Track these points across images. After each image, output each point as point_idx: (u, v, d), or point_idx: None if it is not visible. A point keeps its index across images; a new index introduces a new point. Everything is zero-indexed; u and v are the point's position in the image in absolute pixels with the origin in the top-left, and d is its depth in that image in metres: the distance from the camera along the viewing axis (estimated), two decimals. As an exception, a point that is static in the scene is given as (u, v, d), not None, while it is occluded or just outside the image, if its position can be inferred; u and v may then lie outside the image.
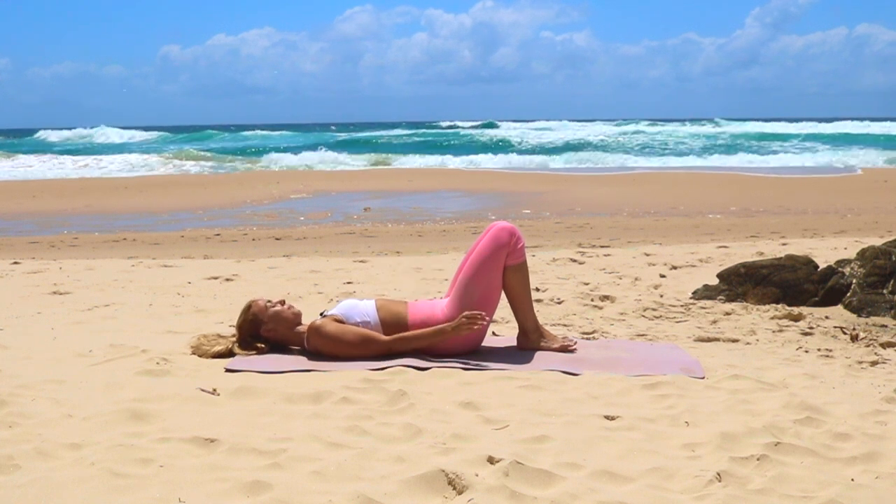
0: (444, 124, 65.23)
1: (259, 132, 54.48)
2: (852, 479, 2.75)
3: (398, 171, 27.50)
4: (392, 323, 4.25)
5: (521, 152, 35.21)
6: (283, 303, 4.36)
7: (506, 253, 4.27)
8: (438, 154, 34.53)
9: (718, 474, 2.72)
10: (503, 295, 4.40)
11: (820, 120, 60.11)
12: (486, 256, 4.27)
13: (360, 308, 4.29)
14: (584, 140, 41.52)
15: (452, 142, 41.55)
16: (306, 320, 4.41)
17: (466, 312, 4.12)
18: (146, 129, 57.34)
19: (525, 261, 4.36)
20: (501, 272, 4.30)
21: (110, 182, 23.96)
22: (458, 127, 58.15)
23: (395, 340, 4.16)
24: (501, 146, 38.74)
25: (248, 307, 4.34)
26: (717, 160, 31.50)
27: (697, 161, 31.57)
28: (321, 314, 4.33)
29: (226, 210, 16.17)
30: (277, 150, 35.96)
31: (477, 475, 2.67)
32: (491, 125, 57.62)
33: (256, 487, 2.60)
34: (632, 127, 49.74)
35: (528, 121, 66.34)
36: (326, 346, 4.16)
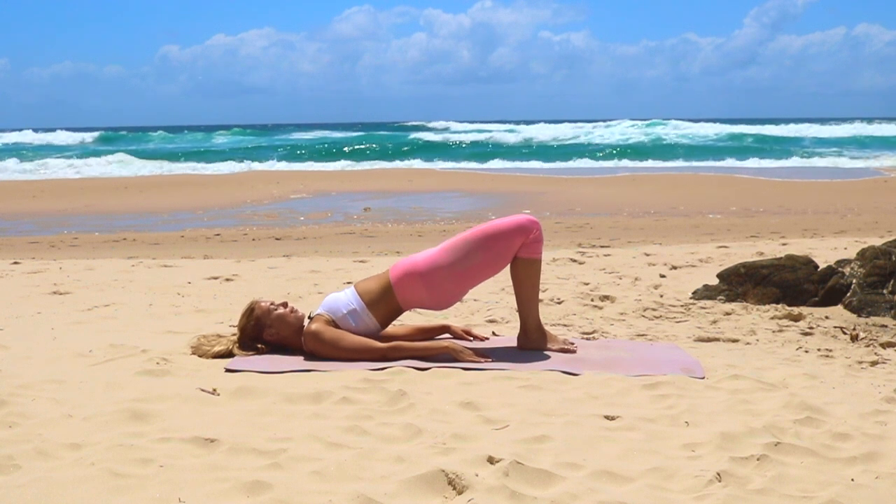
0: (412, 124, 64.34)
1: (215, 133, 53.50)
2: (852, 479, 2.75)
3: (398, 171, 27.50)
4: (377, 300, 4.25)
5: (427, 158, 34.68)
6: (285, 305, 4.35)
7: (522, 240, 4.25)
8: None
9: (718, 474, 2.72)
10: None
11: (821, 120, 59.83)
12: (501, 230, 4.25)
13: (343, 299, 4.28)
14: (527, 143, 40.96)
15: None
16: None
17: (473, 352, 4.15)
18: (90, 129, 55.24)
19: (539, 259, 4.34)
20: (510, 256, 4.28)
21: (110, 182, 23.96)
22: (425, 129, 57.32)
23: (390, 348, 4.16)
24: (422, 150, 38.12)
25: (252, 310, 4.31)
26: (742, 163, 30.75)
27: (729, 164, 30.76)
28: (309, 316, 4.31)
29: (226, 210, 16.18)
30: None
31: (477, 475, 2.67)
32: (422, 128, 57.24)
33: (256, 487, 2.60)
34: (619, 128, 48.62)
35: (519, 122, 65.71)
36: (323, 350, 4.16)
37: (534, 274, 4.33)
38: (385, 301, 4.26)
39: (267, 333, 4.29)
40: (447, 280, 4.23)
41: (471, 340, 4.52)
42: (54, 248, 11.04)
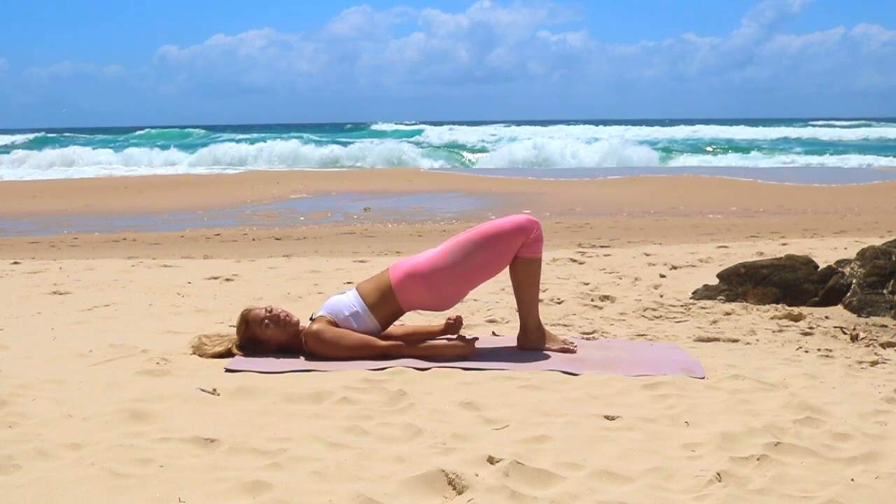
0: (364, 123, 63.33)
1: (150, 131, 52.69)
2: (852, 479, 2.75)
3: (398, 172, 27.50)
4: (379, 301, 4.25)
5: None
6: (278, 318, 4.24)
7: (522, 240, 4.26)
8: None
9: (718, 474, 2.72)
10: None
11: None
12: (501, 231, 4.25)
13: (345, 301, 4.28)
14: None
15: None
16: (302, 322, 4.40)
17: (469, 344, 4.18)
18: (26, 131, 54.27)
19: (540, 258, 4.35)
20: (510, 254, 4.28)
21: (110, 182, 23.97)
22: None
23: (391, 347, 4.18)
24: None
25: (246, 323, 4.25)
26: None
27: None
28: (311, 318, 4.31)
29: (226, 210, 16.18)
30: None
31: (477, 475, 2.67)
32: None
33: (256, 487, 2.60)
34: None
35: (519, 123, 65.33)
36: (325, 350, 4.16)
37: (534, 273, 4.34)
38: (386, 302, 4.26)
39: (262, 348, 4.26)
40: (448, 281, 4.23)
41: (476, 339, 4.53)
42: (54, 248, 11.04)
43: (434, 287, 4.23)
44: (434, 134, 47.19)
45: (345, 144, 38.62)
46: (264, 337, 4.24)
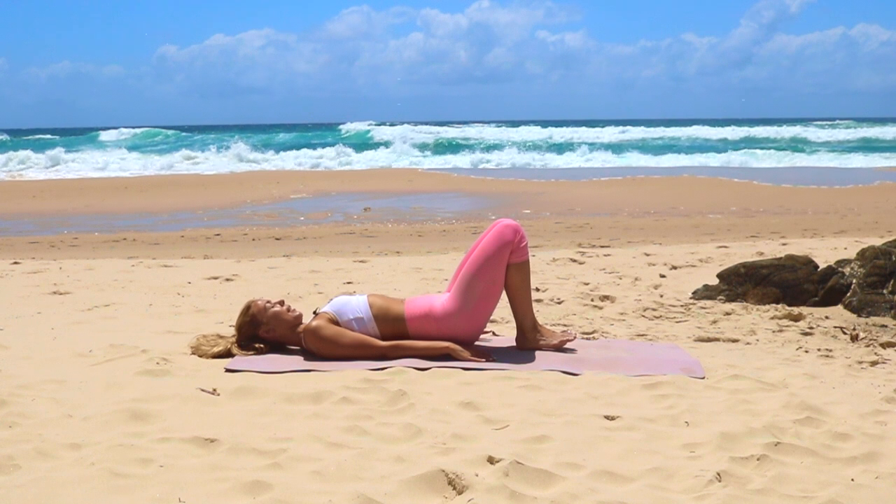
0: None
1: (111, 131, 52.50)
2: (852, 479, 2.75)
3: (398, 172, 27.51)
4: (387, 319, 4.26)
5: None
6: (282, 303, 4.36)
7: (510, 250, 4.28)
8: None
9: (718, 474, 2.72)
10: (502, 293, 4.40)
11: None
12: (490, 253, 4.28)
13: (353, 304, 4.29)
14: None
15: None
16: (305, 319, 4.41)
17: (474, 354, 4.17)
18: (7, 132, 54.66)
19: (528, 259, 4.37)
20: (505, 269, 4.30)
21: (110, 182, 23.97)
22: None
23: (390, 347, 4.17)
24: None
25: (248, 308, 4.34)
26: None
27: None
28: (314, 312, 4.32)
29: (226, 210, 16.18)
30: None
31: (477, 475, 2.67)
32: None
33: (256, 487, 2.60)
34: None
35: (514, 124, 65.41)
36: (324, 348, 4.17)
37: (524, 275, 4.35)
38: (395, 325, 4.28)
39: (263, 331, 4.30)
40: (460, 324, 4.27)
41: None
42: (54, 248, 11.04)
43: (445, 331, 4.27)
44: (382, 134, 48.12)
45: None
46: (264, 319, 4.28)
